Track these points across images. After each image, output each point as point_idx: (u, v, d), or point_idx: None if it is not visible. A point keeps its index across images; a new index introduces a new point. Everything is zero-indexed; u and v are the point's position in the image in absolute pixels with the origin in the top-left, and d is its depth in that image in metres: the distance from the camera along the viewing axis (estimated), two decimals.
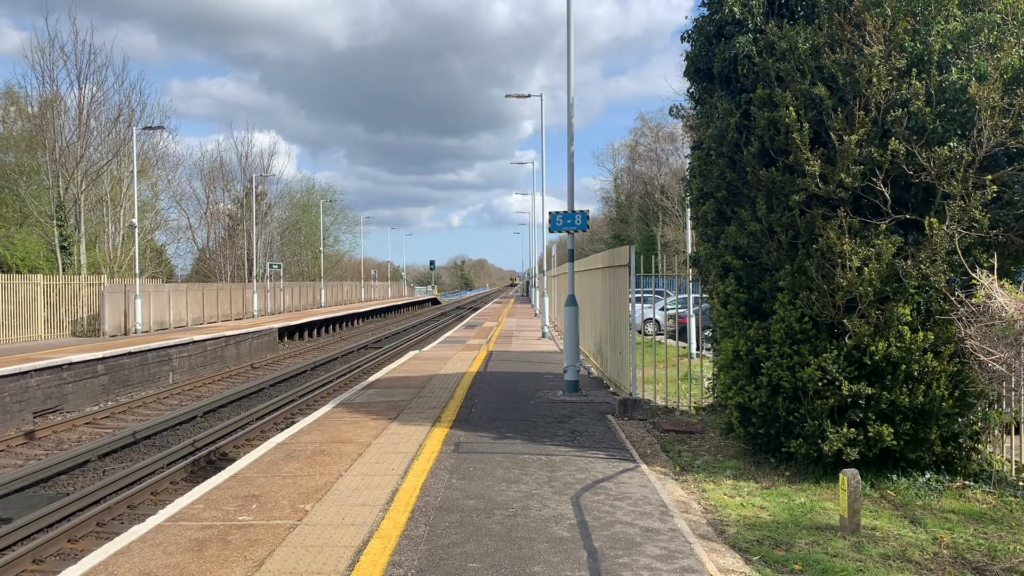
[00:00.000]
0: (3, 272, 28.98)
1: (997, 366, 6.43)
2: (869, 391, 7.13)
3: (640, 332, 18.92)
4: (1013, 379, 7.37)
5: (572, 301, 13.37)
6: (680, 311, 22.42)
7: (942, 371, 7.02)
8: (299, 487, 7.14)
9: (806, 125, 7.25)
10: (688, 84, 9.23)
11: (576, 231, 13.22)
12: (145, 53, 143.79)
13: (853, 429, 7.17)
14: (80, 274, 33.63)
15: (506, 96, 33.05)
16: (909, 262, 7.02)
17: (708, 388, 11.94)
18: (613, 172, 73.87)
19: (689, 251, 15.14)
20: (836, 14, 7.46)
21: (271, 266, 49.89)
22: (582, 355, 15.87)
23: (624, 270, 12.08)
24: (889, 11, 7.19)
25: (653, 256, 13.29)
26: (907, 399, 7.03)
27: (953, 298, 6.91)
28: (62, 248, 34.95)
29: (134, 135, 34.18)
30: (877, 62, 7.11)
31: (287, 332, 36.61)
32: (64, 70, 45.10)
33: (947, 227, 6.91)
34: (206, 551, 5.49)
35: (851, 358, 7.20)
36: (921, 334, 6.97)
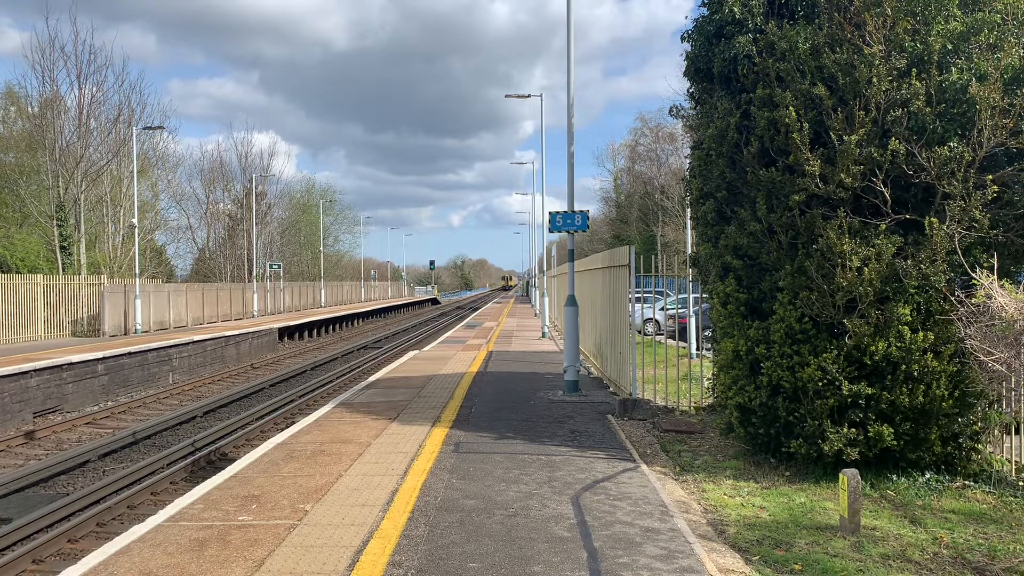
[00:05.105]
0: (3, 272, 28.97)
1: (997, 366, 6.42)
2: (869, 391, 7.13)
3: (640, 332, 18.92)
4: (1013, 379, 7.37)
5: (572, 301, 13.37)
6: (680, 311, 22.41)
7: (942, 371, 7.02)
8: (299, 487, 7.14)
9: (806, 125, 7.25)
10: (688, 84, 9.22)
11: (576, 231, 13.23)
12: (145, 54, 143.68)
13: (853, 429, 7.17)
14: (80, 274, 33.64)
15: (506, 96, 33.14)
16: (909, 262, 7.02)
17: (708, 388, 11.93)
18: (613, 172, 73.80)
19: (689, 251, 15.13)
20: (836, 14, 7.46)
21: (271, 266, 49.87)
22: (582, 355, 15.87)
23: (624, 270, 12.08)
24: (889, 11, 7.19)
25: (653, 256, 13.27)
26: (907, 399, 7.03)
27: (953, 298, 6.91)
28: (62, 248, 34.95)
29: (134, 135, 34.18)
30: (877, 62, 7.11)
31: (287, 332, 36.61)
32: (64, 70, 45.05)
33: (947, 227, 6.91)
34: (206, 551, 5.49)
35: (851, 358, 7.20)
36: (921, 334, 6.97)
